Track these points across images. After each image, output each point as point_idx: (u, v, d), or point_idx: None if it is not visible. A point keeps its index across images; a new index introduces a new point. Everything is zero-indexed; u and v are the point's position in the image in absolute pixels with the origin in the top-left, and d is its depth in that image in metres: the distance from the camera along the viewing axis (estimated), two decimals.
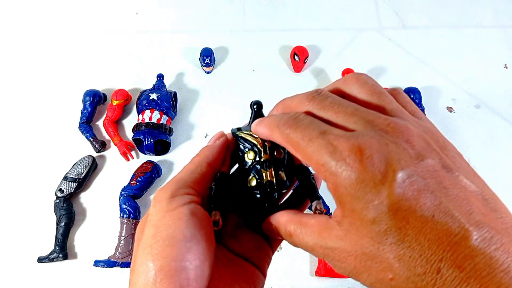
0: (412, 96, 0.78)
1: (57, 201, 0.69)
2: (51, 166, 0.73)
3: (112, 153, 0.76)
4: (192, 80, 0.84)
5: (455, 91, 0.83)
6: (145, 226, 0.24)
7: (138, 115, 0.75)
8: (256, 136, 0.28)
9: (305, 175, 0.28)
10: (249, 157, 0.28)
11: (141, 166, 0.72)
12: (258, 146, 0.28)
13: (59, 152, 0.75)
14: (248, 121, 0.30)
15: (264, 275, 0.30)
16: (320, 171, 0.21)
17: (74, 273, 0.66)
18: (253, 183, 0.27)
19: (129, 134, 0.78)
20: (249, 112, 0.31)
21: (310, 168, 0.29)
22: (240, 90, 0.82)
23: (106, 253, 0.66)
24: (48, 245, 0.67)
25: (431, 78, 0.84)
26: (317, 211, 0.27)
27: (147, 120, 0.72)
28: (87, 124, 0.76)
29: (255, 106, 0.29)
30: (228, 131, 0.30)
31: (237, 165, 0.30)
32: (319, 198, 0.28)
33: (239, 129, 0.30)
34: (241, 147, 0.29)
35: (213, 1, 0.93)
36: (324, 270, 0.65)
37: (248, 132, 0.28)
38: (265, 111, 0.30)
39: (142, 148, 0.73)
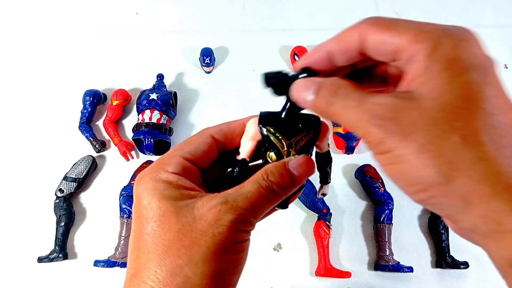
0: None
1: (57, 201, 0.69)
2: (51, 166, 0.73)
3: (112, 153, 0.76)
4: (192, 80, 0.84)
5: None
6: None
7: (138, 115, 0.75)
8: (283, 143, 0.28)
9: (324, 166, 0.31)
10: (271, 156, 0.28)
11: (141, 166, 0.72)
12: (282, 153, 0.28)
13: (59, 152, 0.75)
14: (281, 109, 0.29)
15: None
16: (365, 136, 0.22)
17: (74, 273, 0.66)
18: None
19: (129, 134, 0.78)
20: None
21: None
22: (240, 90, 0.82)
23: (106, 253, 0.66)
24: (48, 245, 0.67)
25: None
26: (320, 194, 0.33)
27: (147, 120, 0.72)
28: (87, 124, 0.76)
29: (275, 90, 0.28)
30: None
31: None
32: (329, 182, 0.33)
33: (267, 117, 0.28)
34: (266, 144, 0.28)
35: (213, 1, 0.93)
36: (324, 270, 0.65)
37: (276, 134, 0.28)
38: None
39: (142, 148, 0.73)
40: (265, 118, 0.28)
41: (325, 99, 0.23)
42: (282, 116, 0.28)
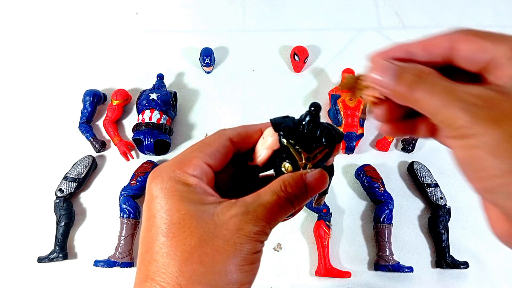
0: None
1: (57, 201, 0.69)
2: (51, 166, 0.73)
3: (112, 153, 0.76)
4: (192, 80, 0.84)
5: None
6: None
7: (138, 115, 0.75)
8: (302, 155, 0.27)
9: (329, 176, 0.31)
10: (287, 167, 0.28)
11: (141, 166, 0.72)
12: (300, 165, 0.28)
13: (59, 152, 0.75)
14: (300, 118, 0.28)
15: None
16: (445, 125, 0.22)
17: (74, 273, 0.66)
18: None
19: (129, 134, 0.78)
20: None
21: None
22: (240, 90, 0.82)
23: (106, 253, 0.66)
24: (48, 245, 0.67)
25: None
26: (316, 203, 0.33)
27: (147, 120, 0.72)
28: (87, 124, 0.76)
29: (312, 109, 0.27)
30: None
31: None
32: (327, 193, 0.32)
33: (287, 128, 0.27)
34: (283, 154, 0.28)
35: (213, 1, 0.93)
36: (324, 270, 0.65)
37: (296, 146, 0.27)
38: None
39: (142, 148, 0.73)
40: (285, 129, 0.27)
41: (408, 83, 0.23)
42: (301, 127, 0.27)
